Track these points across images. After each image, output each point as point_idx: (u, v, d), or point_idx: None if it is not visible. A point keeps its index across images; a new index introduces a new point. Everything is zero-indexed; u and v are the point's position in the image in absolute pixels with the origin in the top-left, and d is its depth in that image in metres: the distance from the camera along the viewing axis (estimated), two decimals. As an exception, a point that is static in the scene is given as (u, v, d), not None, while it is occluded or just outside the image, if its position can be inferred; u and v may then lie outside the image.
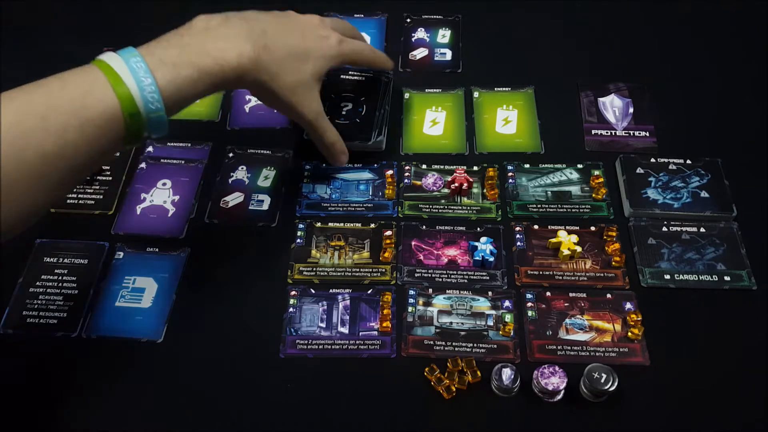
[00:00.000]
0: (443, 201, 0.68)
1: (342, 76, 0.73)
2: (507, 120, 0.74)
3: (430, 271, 0.63)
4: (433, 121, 0.74)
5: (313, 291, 0.62)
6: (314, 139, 0.65)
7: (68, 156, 0.47)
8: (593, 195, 0.68)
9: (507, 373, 0.55)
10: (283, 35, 0.58)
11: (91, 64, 0.50)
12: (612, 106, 0.75)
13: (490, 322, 0.60)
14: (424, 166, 0.70)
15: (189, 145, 0.72)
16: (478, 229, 0.66)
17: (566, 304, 0.60)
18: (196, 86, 0.52)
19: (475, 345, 0.58)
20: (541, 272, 0.63)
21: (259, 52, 0.55)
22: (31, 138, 0.45)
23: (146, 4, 0.85)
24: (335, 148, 0.66)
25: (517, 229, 0.65)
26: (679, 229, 0.65)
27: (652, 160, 0.69)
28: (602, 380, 0.54)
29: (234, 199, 0.68)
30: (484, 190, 0.68)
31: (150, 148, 0.72)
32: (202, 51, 0.52)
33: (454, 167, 0.69)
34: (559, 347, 0.58)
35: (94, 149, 0.48)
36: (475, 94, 0.76)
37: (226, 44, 0.54)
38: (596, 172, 0.69)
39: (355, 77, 0.73)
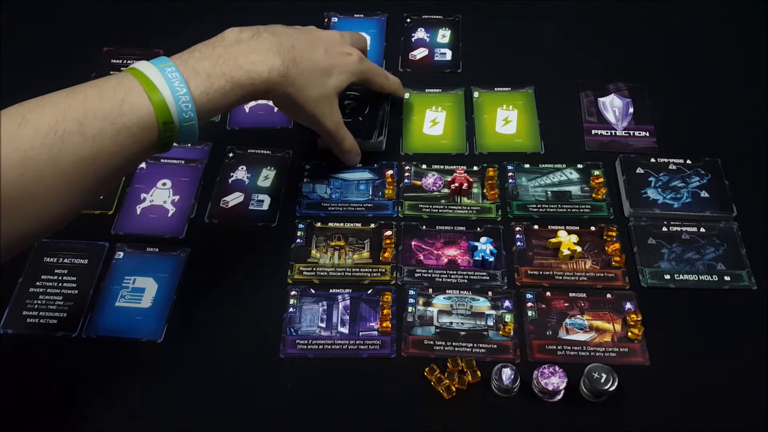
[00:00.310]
0: (443, 201, 0.68)
1: None
2: (507, 120, 0.74)
3: (430, 271, 0.63)
4: (433, 121, 0.74)
5: (313, 291, 0.62)
6: (332, 146, 0.67)
7: (102, 161, 0.48)
8: (593, 195, 0.68)
9: (507, 373, 0.55)
10: (309, 50, 0.59)
11: (126, 71, 0.50)
12: (612, 106, 0.75)
13: (490, 322, 0.60)
14: (424, 166, 0.70)
15: (189, 144, 0.72)
16: (478, 229, 0.66)
17: (566, 304, 0.60)
18: (228, 97, 0.53)
19: (475, 345, 0.58)
20: (541, 272, 0.63)
21: (288, 66, 0.57)
22: (68, 143, 0.46)
23: (145, 4, 0.86)
24: (352, 153, 0.68)
25: (517, 229, 0.65)
26: (679, 229, 0.65)
27: (652, 160, 0.69)
28: (602, 380, 0.54)
29: (234, 199, 0.68)
30: (484, 190, 0.68)
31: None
32: (234, 63, 0.53)
33: (454, 167, 0.69)
34: (559, 347, 0.58)
35: (126, 156, 0.49)
36: (475, 94, 0.76)
37: (258, 57, 0.55)
38: (596, 172, 0.69)
39: None
